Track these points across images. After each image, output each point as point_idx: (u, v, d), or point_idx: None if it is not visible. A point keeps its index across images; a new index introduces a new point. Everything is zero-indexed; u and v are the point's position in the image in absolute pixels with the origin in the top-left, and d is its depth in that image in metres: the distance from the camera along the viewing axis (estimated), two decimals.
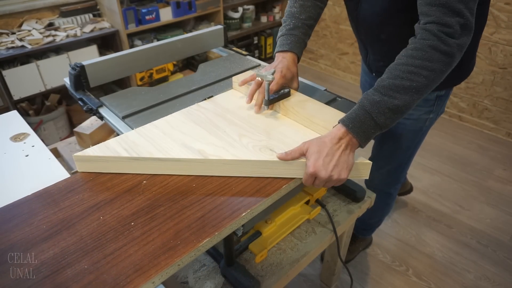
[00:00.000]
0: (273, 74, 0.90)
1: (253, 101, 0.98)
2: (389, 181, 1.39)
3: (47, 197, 0.73)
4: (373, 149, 1.39)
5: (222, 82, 1.30)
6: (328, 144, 0.75)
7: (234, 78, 1.09)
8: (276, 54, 1.01)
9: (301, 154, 0.77)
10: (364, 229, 1.65)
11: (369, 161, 0.80)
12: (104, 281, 0.56)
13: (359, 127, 0.76)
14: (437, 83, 0.77)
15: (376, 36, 1.02)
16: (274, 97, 0.95)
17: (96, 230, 0.65)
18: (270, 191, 0.75)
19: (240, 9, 3.13)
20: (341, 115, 0.87)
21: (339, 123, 0.78)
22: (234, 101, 1.02)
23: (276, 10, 3.40)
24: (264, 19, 3.38)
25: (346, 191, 1.19)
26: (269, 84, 0.92)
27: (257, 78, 0.95)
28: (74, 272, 0.57)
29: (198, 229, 0.65)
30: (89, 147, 0.82)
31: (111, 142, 0.83)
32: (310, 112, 0.90)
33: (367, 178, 0.81)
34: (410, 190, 2.01)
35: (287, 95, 0.97)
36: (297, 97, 0.97)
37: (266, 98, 0.94)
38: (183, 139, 0.84)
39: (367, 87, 1.35)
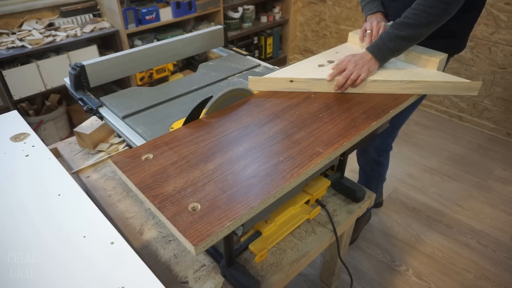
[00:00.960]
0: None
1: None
2: (380, 148, 1.55)
3: (250, 103, 1.03)
4: None
5: (222, 82, 1.30)
6: (358, 56, 1.11)
7: (351, 33, 1.39)
8: (368, 16, 1.31)
9: (339, 71, 1.10)
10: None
11: (480, 82, 1.05)
12: (322, 140, 0.86)
13: (377, 50, 1.11)
14: (436, 23, 1.05)
15: None
16: None
17: (297, 118, 0.95)
18: (400, 100, 1.05)
19: (240, 9, 3.13)
20: (443, 55, 1.16)
21: (365, 49, 1.12)
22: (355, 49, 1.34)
23: (276, 10, 3.40)
24: (264, 19, 3.38)
25: (346, 191, 1.19)
26: None
27: (383, 25, 1.22)
28: (299, 136, 0.88)
29: (365, 118, 0.96)
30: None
31: (282, 72, 1.15)
32: (416, 49, 1.21)
33: (475, 94, 1.07)
34: (381, 203, 2.02)
35: None
36: None
37: None
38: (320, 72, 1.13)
39: None
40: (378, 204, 2.00)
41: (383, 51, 1.10)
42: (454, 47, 1.27)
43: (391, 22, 1.16)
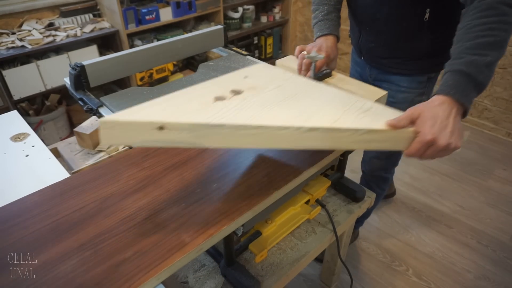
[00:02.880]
0: (319, 57, 0.98)
1: None
2: (387, 165, 1.48)
3: (127, 159, 0.81)
4: None
5: None
6: (441, 111, 0.69)
7: (278, 61, 1.13)
8: (318, 39, 1.09)
9: (412, 121, 0.70)
10: (356, 221, 1.68)
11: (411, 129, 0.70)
12: (195, 221, 0.65)
13: (461, 91, 0.71)
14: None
15: (372, 15, 1.09)
16: (319, 76, 1.02)
17: (177, 185, 0.74)
18: (319, 157, 0.82)
19: (240, 9, 3.13)
20: (382, 93, 0.93)
21: (438, 94, 0.73)
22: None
23: (276, 10, 3.40)
24: (264, 19, 3.38)
25: (346, 191, 1.19)
26: (315, 64, 0.98)
27: (305, 58, 0.99)
28: (168, 215, 0.67)
29: (267, 183, 0.74)
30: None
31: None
32: (353, 88, 0.94)
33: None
34: (393, 193, 2.05)
35: (329, 74, 1.04)
36: (338, 76, 1.06)
37: (312, 76, 1.00)
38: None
39: (356, 77, 1.40)
40: (391, 194, 2.03)
41: (470, 91, 0.72)
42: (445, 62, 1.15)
43: (318, 55, 0.96)
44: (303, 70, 1.01)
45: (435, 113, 0.69)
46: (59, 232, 0.63)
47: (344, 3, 1.25)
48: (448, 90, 0.71)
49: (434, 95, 0.74)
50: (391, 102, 1.25)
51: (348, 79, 1.03)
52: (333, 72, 1.07)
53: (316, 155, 0.80)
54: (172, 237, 0.62)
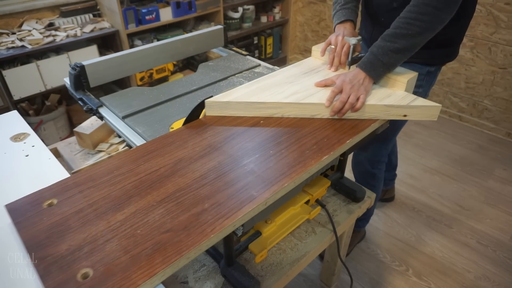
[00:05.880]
0: (358, 39, 1.09)
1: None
2: (374, 159, 1.48)
3: (191, 130, 0.93)
4: None
5: (222, 82, 1.30)
6: (351, 75, 1.00)
7: (314, 47, 1.25)
8: (337, 26, 1.19)
9: (332, 81, 1.03)
10: (358, 220, 1.66)
11: (439, 105, 0.97)
12: (260, 179, 0.76)
13: (370, 67, 1.00)
14: (430, 31, 0.97)
15: (389, 5, 1.15)
16: (355, 59, 1.13)
17: (238, 151, 0.85)
18: (361, 128, 0.95)
19: (240, 9, 3.13)
20: (412, 74, 1.05)
21: (356, 67, 1.02)
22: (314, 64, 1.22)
23: (276, 10, 3.40)
24: (264, 19, 3.38)
25: (346, 191, 1.19)
26: (353, 48, 1.11)
27: (344, 45, 1.13)
28: (235, 175, 0.77)
29: (317, 150, 0.86)
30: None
31: (233, 92, 1.02)
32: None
33: (435, 119, 0.98)
34: (392, 197, 2.04)
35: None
36: None
37: (349, 59, 1.13)
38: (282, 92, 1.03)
39: None
40: (390, 198, 2.03)
41: (377, 67, 1.00)
42: (450, 55, 1.24)
43: (356, 38, 1.08)
44: (343, 56, 1.14)
45: (348, 75, 1.01)
46: (142, 188, 0.74)
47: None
48: (362, 65, 1.02)
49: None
50: None
51: None
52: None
53: (355, 128, 0.95)
54: (242, 192, 0.73)
